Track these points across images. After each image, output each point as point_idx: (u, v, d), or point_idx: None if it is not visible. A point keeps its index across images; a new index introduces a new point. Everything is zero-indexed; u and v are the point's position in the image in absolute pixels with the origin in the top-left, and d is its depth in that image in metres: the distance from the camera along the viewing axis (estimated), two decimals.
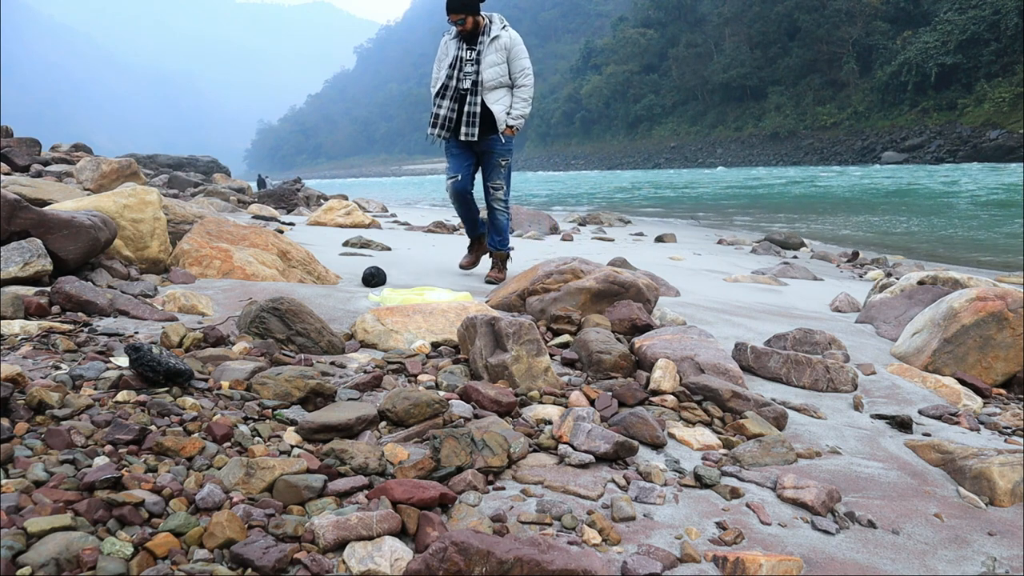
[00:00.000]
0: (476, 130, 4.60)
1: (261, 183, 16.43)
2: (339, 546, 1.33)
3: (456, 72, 4.62)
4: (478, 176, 4.89)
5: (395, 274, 4.60)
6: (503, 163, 4.76)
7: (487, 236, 4.98)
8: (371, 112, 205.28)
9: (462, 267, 5.01)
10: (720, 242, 9.88)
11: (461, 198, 4.80)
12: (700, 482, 1.76)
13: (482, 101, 4.58)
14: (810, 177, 34.85)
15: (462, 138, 4.62)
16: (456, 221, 9.69)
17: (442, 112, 4.64)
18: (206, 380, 2.02)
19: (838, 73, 67.45)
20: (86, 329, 2.45)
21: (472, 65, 4.60)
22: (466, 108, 4.60)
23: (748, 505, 1.68)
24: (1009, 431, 2.33)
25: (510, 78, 4.67)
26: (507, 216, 4.96)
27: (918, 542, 1.59)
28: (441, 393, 2.15)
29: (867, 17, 66.55)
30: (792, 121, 69.04)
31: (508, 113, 4.65)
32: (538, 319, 3.12)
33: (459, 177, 4.72)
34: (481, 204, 5.01)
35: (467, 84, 4.60)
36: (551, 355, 2.61)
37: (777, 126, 69.77)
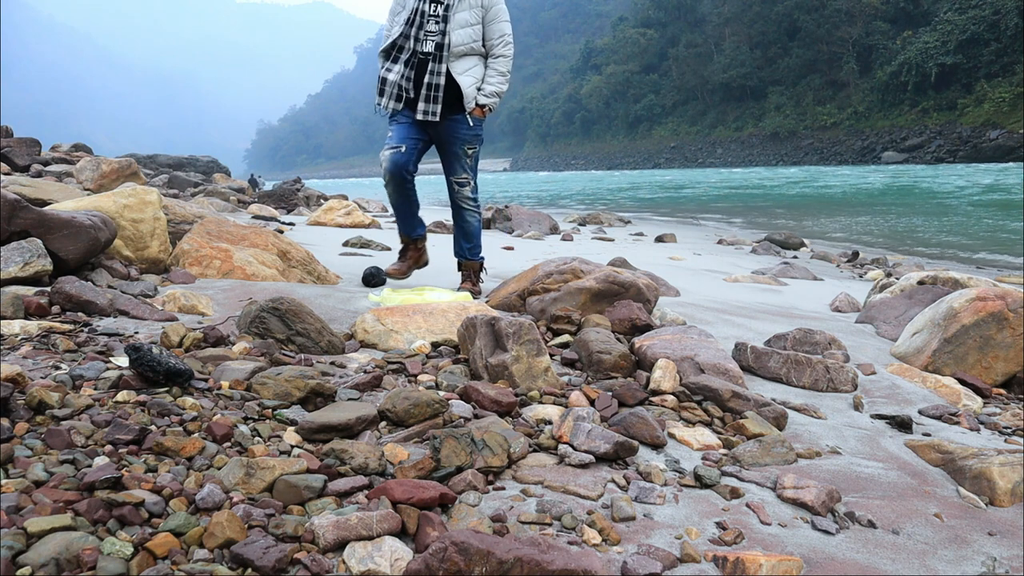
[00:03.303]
0: (439, 107, 3.64)
1: (254, 183, 16.43)
2: (339, 546, 1.33)
3: (415, 30, 3.64)
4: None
5: None
6: (470, 151, 3.80)
7: (455, 244, 4.08)
8: (371, 112, 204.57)
9: (389, 275, 3.97)
10: (720, 242, 9.89)
11: (400, 178, 3.74)
12: (700, 482, 1.76)
13: (447, 70, 3.63)
14: (810, 177, 34.86)
15: (420, 116, 3.67)
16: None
17: (391, 77, 3.67)
18: (206, 380, 2.02)
19: (838, 73, 67.50)
20: (86, 329, 2.45)
21: (437, 23, 3.63)
22: (426, 78, 3.63)
23: (748, 505, 1.68)
24: (1009, 431, 2.33)
25: (484, 45, 3.72)
26: (478, 217, 4.00)
27: (918, 542, 1.59)
28: (441, 393, 2.15)
29: (867, 17, 66.60)
30: (792, 121, 69.10)
31: (479, 89, 3.72)
32: (538, 319, 3.12)
33: (402, 148, 3.70)
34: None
35: (429, 47, 3.63)
36: (551, 355, 2.61)
37: (777, 126, 69.83)
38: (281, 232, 5.82)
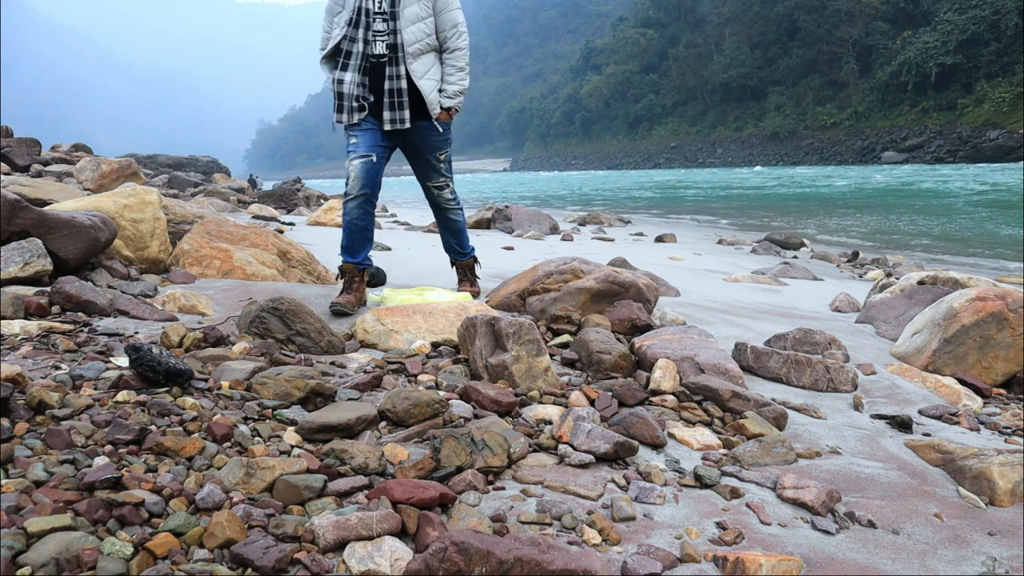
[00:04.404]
0: (407, 113, 3.37)
1: (252, 183, 16.50)
2: (339, 546, 1.33)
3: (361, 31, 3.30)
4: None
5: (395, 274, 4.60)
6: (442, 157, 3.59)
7: (444, 244, 3.94)
8: None
9: (335, 307, 3.19)
10: (720, 242, 9.88)
11: (369, 190, 3.38)
12: (700, 482, 1.76)
13: (407, 73, 3.34)
14: (810, 177, 34.87)
15: (387, 127, 3.38)
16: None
17: (345, 88, 3.34)
18: (206, 380, 2.02)
19: (838, 73, 67.50)
20: (86, 329, 2.45)
21: (385, 21, 3.30)
22: (386, 84, 3.33)
23: (748, 505, 1.68)
24: (1009, 431, 2.33)
25: (437, 38, 3.43)
26: (462, 214, 3.84)
27: (918, 542, 1.59)
28: (441, 393, 2.15)
29: (867, 17, 66.60)
30: (792, 121, 69.10)
31: (441, 91, 3.45)
32: (538, 319, 3.12)
33: (372, 158, 3.37)
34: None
35: (380, 48, 3.30)
36: (551, 355, 2.61)
37: (777, 126, 69.83)
38: (281, 232, 5.82)
